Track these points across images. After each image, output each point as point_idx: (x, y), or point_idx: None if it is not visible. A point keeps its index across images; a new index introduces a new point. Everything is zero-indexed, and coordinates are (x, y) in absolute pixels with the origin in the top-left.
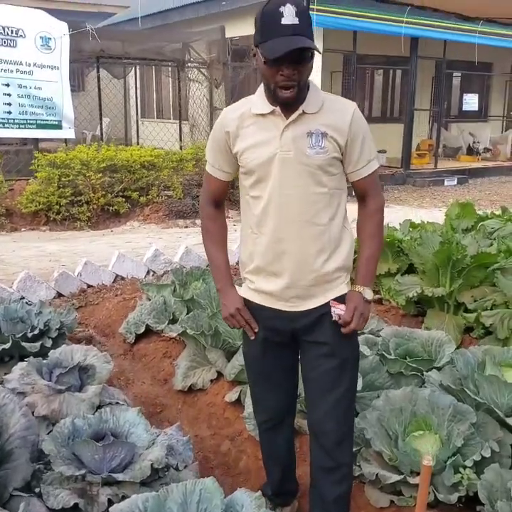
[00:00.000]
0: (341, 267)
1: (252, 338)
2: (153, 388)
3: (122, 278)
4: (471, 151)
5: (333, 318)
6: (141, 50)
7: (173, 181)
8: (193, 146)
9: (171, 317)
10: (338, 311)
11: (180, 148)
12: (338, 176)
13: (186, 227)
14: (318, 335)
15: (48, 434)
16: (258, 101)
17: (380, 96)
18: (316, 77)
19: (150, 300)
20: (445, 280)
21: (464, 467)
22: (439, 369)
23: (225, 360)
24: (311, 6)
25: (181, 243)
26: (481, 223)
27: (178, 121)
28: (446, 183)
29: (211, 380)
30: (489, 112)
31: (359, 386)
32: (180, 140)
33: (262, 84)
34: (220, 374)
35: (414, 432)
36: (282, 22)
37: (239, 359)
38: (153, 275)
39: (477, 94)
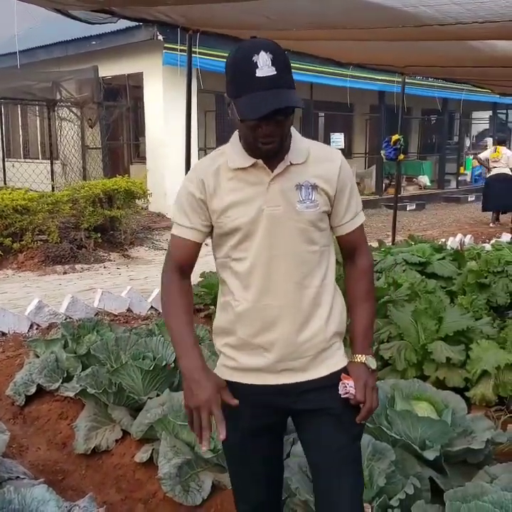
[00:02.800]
0: (335, 332)
1: (222, 438)
2: (51, 454)
3: (3, 333)
4: None
5: (342, 394)
6: (6, 89)
7: (48, 225)
8: (68, 187)
9: (65, 375)
10: (349, 388)
11: (53, 189)
12: (326, 231)
13: (65, 273)
14: (321, 402)
15: None
16: (234, 154)
17: None
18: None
19: (38, 357)
20: None
21: (392, 507)
22: None
23: (130, 418)
24: (194, 49)
25: (62, 291)
26: None
27: (48, 161)
28: None
29: (116, 440)
30: (353, 149)
31: None
32: (52, 180)
33: (236, 134)
34: (125, 433)
35: None
36: (257, 74)
37: (147, 416)
38: (37, 329)
39: (343, 133)
